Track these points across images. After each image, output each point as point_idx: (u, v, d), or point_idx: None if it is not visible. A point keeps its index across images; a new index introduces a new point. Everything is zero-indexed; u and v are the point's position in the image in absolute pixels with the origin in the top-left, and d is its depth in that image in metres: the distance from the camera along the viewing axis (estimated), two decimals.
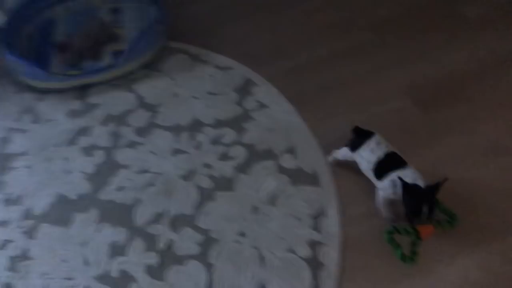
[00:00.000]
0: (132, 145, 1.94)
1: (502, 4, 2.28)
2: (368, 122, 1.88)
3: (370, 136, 1.65)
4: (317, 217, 1.65)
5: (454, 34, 2.19)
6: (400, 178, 1.47)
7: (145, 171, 1.84)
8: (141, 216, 1.71)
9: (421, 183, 1.46)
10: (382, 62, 2.11)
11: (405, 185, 1.45)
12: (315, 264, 1.53)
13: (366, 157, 1.61)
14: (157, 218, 1.70)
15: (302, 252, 1.56)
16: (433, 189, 1.43)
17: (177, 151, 1.90)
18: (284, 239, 1.60)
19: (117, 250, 1.63)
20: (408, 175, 1.49)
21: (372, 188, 1.63)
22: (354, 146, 1.66)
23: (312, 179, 1.76)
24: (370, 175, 1.62)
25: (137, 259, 1.59)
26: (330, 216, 1.65)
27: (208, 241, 1.61)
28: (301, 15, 2.37)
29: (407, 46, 2.17)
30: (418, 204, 1.43)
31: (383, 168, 1.56)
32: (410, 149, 1.66)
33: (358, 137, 1.67)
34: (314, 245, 1.58)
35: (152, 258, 1.59)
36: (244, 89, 2.09)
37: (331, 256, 1.55)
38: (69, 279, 1.57)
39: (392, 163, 1.55)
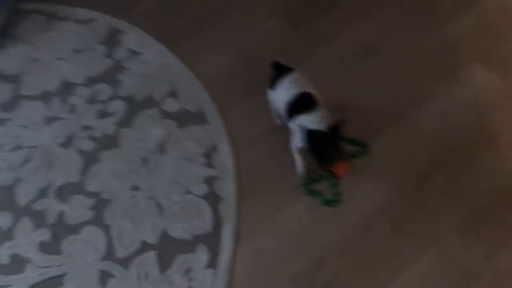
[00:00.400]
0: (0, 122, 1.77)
1: None
2: (243, 50, 1.85)
3: (288, 73, 1.49)
4: (209, 154, 1.62)
5: None
6: (300, 127, 1.38)
7: (19, 147, 1.69)
8: (24, 195, 1.58)
9: (323, 125, 1.37)
10: None
11: (307, 132, 1.35)
12: (213, 199, 1.52)
13: (281, 96, 1.47)
14: (42, 193, 1.58)
15: (199, 191, 1.54)
16: (334, 131, 1.36)
17: (51, 120, 1.75)
18: (179, 182, 1.57)
19: (3, 235, 1.51)
20: (311, 119, 1.38)
21: (260, 110, 1.63)
22: (272, 83, 1.51)
23: (199, 118, 1.71)
24: (284, 117, 1.49)
25: (27, 239, 1.49)
26: (222, 150, 1.63)
27: (100, 204, 1.54)
28: None
29: None
30: (323, 148, 1.36)
31: (293, 109, 1.43)
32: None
33: (277, 74, 1.51)
34: (210, 181, 1.56)
35: (44, 234, 1.49)
36: (112, 39, 1.95)
37: (227, 188, 1.54)
38: None
39: (302, 104, 1.42)
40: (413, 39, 1.84)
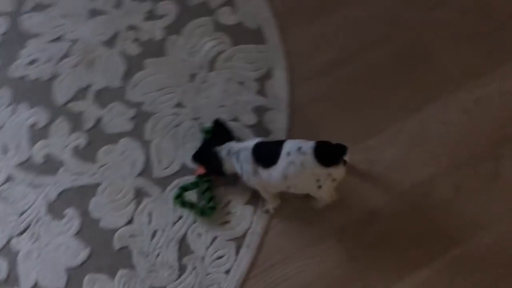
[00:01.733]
0: (39, 8, 1.61)
1: None
2: None
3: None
4: (262, 79, 1.47)
5: None
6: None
7: (59, 39, 1.56)
8: (61, 93, 1.48)
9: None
10: None
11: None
12: (261, 132, 1.40)
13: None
14: (80, 94, 1.48)
15: (246, 120, 1.41)
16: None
17: (94, 12, 1.60)
18: (226, 106, 1.44)
19: (38, 133, 1.43)
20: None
21: (325, 40, 1.45)
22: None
23: (256, 36, 1.53)
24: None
25: (62, 141, 1.41)
26: (277, 78, 1.47)
27: (141, 115, 1.44)
28: None
29: None
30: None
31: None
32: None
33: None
34: (260, 111, 1.42)
35: (79, 139, 1.41)
36: None
37: (278, 122, 1.41)
38: None
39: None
40: None
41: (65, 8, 1.61)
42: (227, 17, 1.56)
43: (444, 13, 1.51)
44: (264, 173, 1.16)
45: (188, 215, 1.30)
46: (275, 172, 1.13)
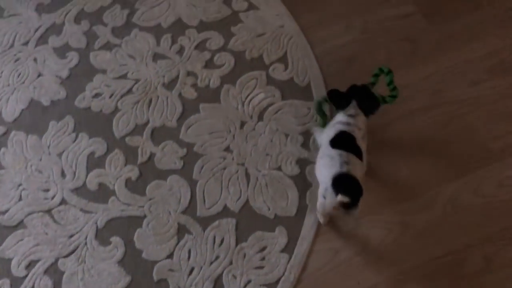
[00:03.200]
0: (108, 46, 1.76)
1: None
2: (367, 31, 1.72)
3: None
4: (307, 134, 1.55)
5: None
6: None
7: (124, 77, 1.69)
8: (120, 127, 1.60)
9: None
10: None
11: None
12: (302, 183, 1.47)
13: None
14: (138, 129, 1.59)
15: (289, 170, 1.49)
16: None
17: (158, 56, 1.73)
18: (271, 155, 1.52)
19: (95, 162, 1.54)
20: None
21: None
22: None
23: (304, 93, 1.63)
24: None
25: (115, 171, 1.52)
26: None
27: (191, 156, 1.53)
28: None
29: None
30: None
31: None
32: (409, 61, 1.57)
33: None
34: (302, 163, 1.51)
35: (132, 172, 1.52)
36: None
37: None
38: (45, 190, 1.50)
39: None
40: None
41: (132, 49, 1.75)
42: (279, 72, 1.67)
43: (485, 89, 1.59)
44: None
45: (229, 247, 1.37)
46: None
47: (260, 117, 1.59)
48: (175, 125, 1.59)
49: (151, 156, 1.54)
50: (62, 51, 1.76)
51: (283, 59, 1.70)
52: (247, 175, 1.49)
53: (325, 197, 1.23)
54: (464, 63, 1.64)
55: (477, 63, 1.63)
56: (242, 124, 1.58)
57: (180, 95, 1.64)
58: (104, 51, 1.75)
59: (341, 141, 1.29)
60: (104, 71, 1.71)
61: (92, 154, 1.56)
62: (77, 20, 1.83)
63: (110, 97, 1.65)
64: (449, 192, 1.42)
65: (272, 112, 1.60)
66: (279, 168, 1.50)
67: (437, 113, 1.55)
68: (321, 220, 1.38)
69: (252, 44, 1.73)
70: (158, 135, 1.57)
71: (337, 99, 1.36)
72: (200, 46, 1.74)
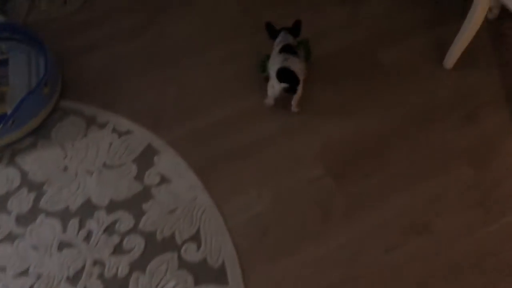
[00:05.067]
0: (10, 237, 1.66)
1: (417, 50, 2.13)
2: (280, 197, 1.71)
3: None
4: None
5: (371, 85, 2.02)
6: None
7: (25, 274, 1.58)
8: None
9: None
10: (294, 122, 1.91)
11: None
12: None
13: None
14: None
15: None
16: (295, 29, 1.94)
17: (63, 245, 1.64)
18: None
19: None
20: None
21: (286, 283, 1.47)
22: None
23: (218, 275, 1.56)
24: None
25: None
26: None
27: None
28: (207, 67, 2.10)
29: (322, 100, 1.97)
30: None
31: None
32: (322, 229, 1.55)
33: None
34: None
35: None
36: (145, 158, 1.85)
37: None
38: None
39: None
40: (473, 221, 1.64)
41: (36, 238, 1.65)
42: (192, 253, 1.60)
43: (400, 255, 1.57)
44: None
45: None
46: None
47: None
48: None
49: None
50: None
51: (195, 237, 1.64)
52: None
53: (273, 86, 1.80)
54: (377, 228, 1.62)
55: (390, 227, 1.62)
56: None
57: None
58: (5, 244, 1.64)
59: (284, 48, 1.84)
60: (3, 269, 1.59)
61: None
62: None
63: None
64: None
65: None
66: None
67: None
68: (270, 102, 1.89)
69: (163, 222, 1.68)
70: None
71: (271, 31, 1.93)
72: (109, 229, 1.67)
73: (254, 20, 2.12)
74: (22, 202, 1.75)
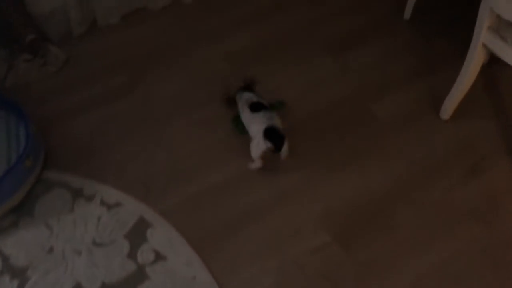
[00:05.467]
0: None
1: (411, 101, 2.09)
2: (285, 270, 1.60)
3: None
4: None
5: (367, 140, 1.96)
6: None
7: None
8: None
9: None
10: (295, 184, 1.84)
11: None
12: None
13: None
14: None
15: None
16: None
17: None
18: None
19: None
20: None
21: None
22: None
23: None
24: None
25: None
26: None
27: None
28: (196, 128, 2.01)
29: (315, 159, 1.90)
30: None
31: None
32: None
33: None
34: None
35: None
36: (137, 233, 1.73)
37: None
38: None
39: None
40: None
41: None
42: None
43: None
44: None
45: None
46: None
47: None
48: None
49: None
50: None
51: None
52: None
53: (258, 145, 1.73)
54: None
55: None
56: None
57: None
58: None
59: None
60: None
61: None
62: None
63: None
64: None
65: None
66: None
67: None
68: (258, 164, 1.81)
69: None
70: None
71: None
72: None
73: (243, 78, 2.06)
74: None
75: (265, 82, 1.94)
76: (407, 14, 2.38)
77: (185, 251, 1.68)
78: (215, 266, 1.63)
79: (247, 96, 1.87)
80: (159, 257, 1.67)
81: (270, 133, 1.72)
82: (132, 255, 1.68)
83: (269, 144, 1.72)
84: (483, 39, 1.68)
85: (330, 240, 1.67)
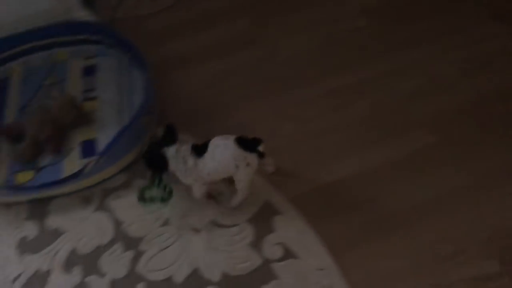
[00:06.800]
0: None
1: None
2: None
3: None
4: None
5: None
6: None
7: None
8: None
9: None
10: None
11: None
12: None
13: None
14: None
15: None
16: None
17: None
18: None
19: None
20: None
21: None
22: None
23: None
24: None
25: None
26: None
27: None
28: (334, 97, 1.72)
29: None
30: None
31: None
32: None
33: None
34: None
35: None
36: (262, 220, 1.50)
37: None
38: None
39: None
40: None
41: None
42: None
43: None
44: (200, 163, 1.40)
45: None
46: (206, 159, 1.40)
47: None
48: None
49: None
50: None
51: None
52: None
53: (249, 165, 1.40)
54: None
55: None
56: None
57: None
58: None
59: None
60: None
61: None
62: (68, 266, 1.45)
63: None
64: None
65: None
66: None
67: None
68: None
69: None
70: None
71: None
72: None
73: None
74: (116, 262, 1.45)
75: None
76: None
77: (321, 254, 1.43)
78: (355, 280, 1.37)
79: (182, 146, 1.43)
80: (289, 254, 1.44)
81: (243, 142, 1.39)
82: (256, 244, 1.45)
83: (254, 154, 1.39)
84: None
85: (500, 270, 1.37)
